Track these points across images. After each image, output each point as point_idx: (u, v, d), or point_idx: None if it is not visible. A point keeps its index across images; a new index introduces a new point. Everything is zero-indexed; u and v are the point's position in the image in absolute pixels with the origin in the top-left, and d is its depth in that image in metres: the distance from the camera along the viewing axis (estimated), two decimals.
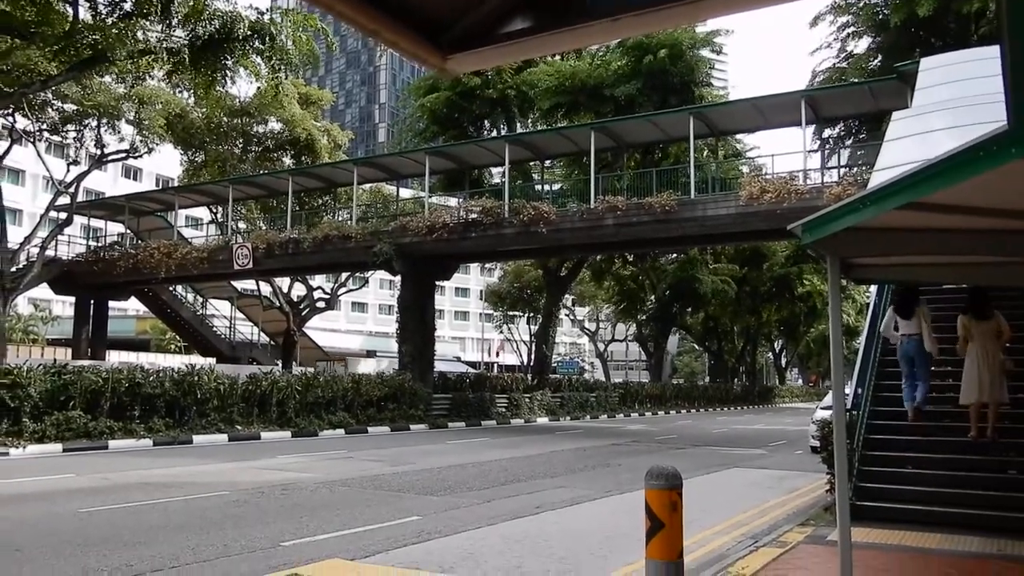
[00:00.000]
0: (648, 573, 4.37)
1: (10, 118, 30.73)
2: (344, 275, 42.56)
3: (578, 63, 33.10)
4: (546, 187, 36.23)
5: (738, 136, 36.52)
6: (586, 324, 68.27)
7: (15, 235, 33.65)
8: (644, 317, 53.28)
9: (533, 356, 45.34)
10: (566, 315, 59.80)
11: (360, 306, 77.28)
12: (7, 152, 31.69)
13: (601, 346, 66.24)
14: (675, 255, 46.54)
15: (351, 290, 47.73)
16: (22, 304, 43.25)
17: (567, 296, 50.13)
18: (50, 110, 31.36)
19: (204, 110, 36.61)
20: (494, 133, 35.53)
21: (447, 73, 2.53)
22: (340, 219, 34.49)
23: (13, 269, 30.31)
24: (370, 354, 52.29)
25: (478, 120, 36.45)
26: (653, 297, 51.13)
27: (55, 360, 20.22)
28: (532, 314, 53.43)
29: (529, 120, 37.81)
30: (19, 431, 16.05)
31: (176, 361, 26.96)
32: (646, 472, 4.44)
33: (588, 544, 7.98)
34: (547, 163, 35.61)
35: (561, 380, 40.18)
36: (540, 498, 10.86)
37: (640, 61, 30.99)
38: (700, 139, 28.35)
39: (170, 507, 9.70)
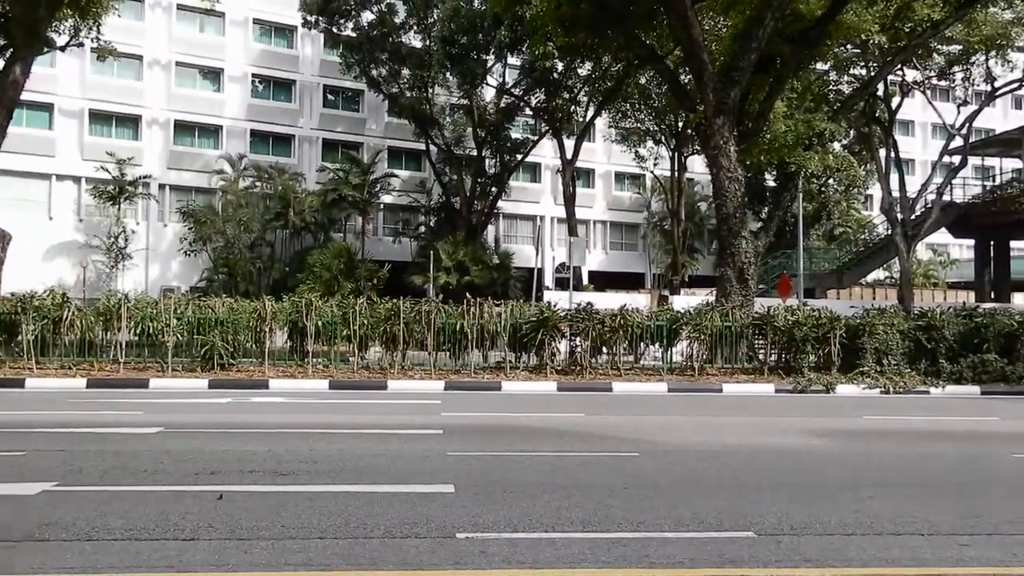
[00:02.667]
0: None
1: (899, 73, 32.21)
2: None
3: None
4: None
5: None
6: None
7: (911, 185, 35.23)
8: None
9: None
10: None
11: None
12: (899, 106, 33.41)
13: None
14: None
15: None
16: (920, 249, 44.98)
17: None
18: (935, 56, 31.68)
19: None
20: None
21: None
22: None
23: (912, 217, 31.89)
24: None
25: None
26: None
27: (963, 303, 20.56)
28: None
29: None
30: (937, 371, 16.91)
31: None
32: None
33: None
34: None
35: None
36: None
37: None
38: None
39: None
